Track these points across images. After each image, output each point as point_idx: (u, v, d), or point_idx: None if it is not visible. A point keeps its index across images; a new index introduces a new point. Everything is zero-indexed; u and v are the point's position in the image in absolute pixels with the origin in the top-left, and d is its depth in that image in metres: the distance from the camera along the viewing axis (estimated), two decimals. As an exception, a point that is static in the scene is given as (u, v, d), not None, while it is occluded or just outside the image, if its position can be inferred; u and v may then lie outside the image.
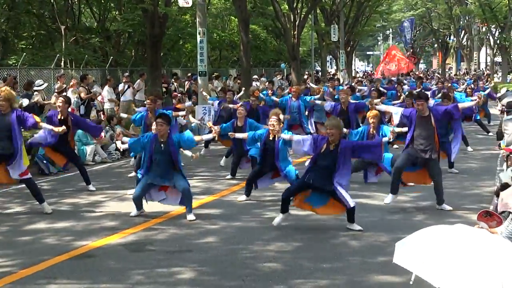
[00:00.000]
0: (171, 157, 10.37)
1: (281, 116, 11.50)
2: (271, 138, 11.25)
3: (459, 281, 4.35)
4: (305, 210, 10.06)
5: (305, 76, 39.39)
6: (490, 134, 20.81)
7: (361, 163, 12.69)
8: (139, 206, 10.59)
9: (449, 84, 25.39)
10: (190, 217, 10.35)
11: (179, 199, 10.56)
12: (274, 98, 19.38)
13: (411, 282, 4.63)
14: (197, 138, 11.12)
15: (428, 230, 4.86)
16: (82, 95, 20.31)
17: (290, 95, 19.08)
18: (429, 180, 11.07)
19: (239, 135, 12.02)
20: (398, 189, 11.16)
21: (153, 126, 11.14)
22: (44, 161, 14.85)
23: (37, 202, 10.94)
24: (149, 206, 10.74)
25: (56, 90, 19.59)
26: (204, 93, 22.00)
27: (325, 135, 9.80)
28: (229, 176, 13.99)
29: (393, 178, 11.16)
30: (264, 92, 22.64)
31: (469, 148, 17.57)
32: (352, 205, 9.43)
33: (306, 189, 9.81)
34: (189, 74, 31.61)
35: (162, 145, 10.36)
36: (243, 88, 26.43)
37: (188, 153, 12.85)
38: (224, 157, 15.82)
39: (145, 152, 10.62)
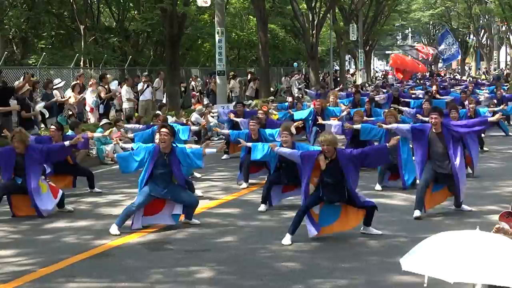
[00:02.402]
0: (174, 170, 9.77)
1: (292, 129, 11.08)
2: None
3: (473, 272, 4.33)
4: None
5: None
6: (511, 134, 20.67)
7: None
8: (123, 220, 9.67)
9: (470, 96, 22.75)
10: (193, 221, 10.03)
11: (171, 218, 9.91)
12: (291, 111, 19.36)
13: (425, 285, 4.61)
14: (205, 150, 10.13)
15: (436, 236, 4.85)
16: (102, 94, 20.44)
17: (312, 109, 18.85)
18: (450, 194, 10.72)
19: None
20: (423, 204, 10.39)
21: (156, 136, 10.79)
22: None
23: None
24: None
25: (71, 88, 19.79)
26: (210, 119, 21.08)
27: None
28: (244, 185, 13.20)
29: (419, 192, 10.45)
30: (285, 104, 22.83)
31: (485, 148, 17.36)
32: (372, 204, 9.15)
33: (318, 202, 9.20)
34: (209, 74, 31.71)
35: (165, 157, 9.70)
36: (252, 102, 26.58)
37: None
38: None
39: (146, 166, 9.76)
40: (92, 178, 12.70)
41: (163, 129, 9.77)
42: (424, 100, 19.53)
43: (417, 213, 10.21)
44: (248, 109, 19.78)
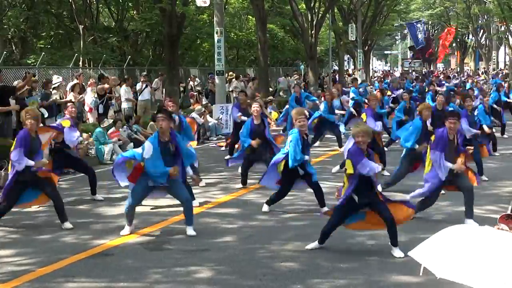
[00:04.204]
0: (176, 158, 9.42)
1: (306, 112, 10.97)
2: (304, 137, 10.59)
3: (462, 273, 4.35)
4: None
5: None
6: (505, 136, 20.73)
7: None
8: (131, 219, 9.61)
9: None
10: (190, 231, 9.43)
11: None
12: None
13: (420, 273, 4.63)
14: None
15: (446, 230, 4.86)
16: (99, 91, 20.37)
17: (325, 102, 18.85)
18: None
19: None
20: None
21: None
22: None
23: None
24: (167, 205, 10.77)
25: (70, 88, 19.77)
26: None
27: None
28: (239, 186, 13.21)
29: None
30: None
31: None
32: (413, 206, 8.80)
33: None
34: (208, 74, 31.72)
35: (170, 145, 9.36)
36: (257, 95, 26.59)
37: (189, 170, 12.10)
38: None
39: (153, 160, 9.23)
40: (94, 181, 12.23)
41: (160, 114, 9.38)
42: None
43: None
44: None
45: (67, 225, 9.91)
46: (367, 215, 8.69)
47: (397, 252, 8.24)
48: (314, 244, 8.66)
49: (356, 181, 8.33)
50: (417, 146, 11.73)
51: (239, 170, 13.79)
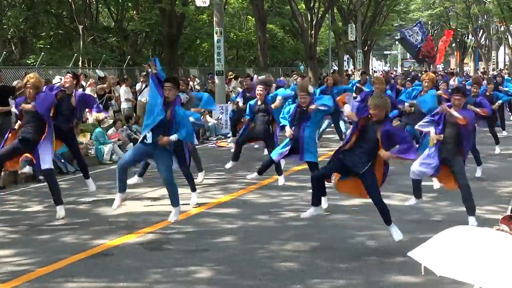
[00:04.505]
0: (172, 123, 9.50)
1: (310, 88, 10.92)
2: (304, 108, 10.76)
3: (464, 271, 4.34)
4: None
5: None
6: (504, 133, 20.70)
7: None
8: (122, 185, 9.89)
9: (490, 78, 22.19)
10: (172, 217, 9.83)
11: None
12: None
13: (422, 272, 4.62)
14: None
15: (450, 230, 4.85)
16: (99, 91, 20.34)
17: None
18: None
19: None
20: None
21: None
22: (62, 160, 14.93)
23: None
24: (166, 205, 10.76)
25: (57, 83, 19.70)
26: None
27: None
28: (230, 164, 13.56)
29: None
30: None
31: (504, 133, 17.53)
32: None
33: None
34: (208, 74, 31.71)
35: (168, 106, 9.47)
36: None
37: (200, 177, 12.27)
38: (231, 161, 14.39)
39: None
40: (85, 169, 12.03)
41: (167, 83, 9.53)
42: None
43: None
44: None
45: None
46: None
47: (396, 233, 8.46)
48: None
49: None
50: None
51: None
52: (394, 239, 8.44)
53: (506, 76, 28.01)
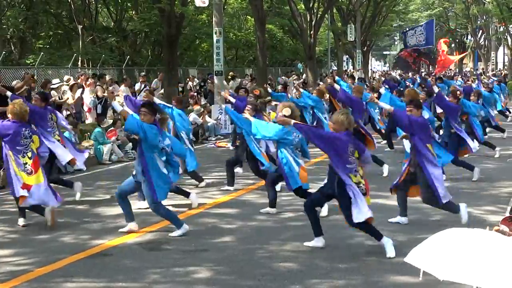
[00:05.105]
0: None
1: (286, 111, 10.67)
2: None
3: (467, 274, 4.34)
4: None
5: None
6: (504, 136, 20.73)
7: None
8: (128, 216, 9.70)
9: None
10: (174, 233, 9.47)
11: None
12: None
13: (420, 278, 4.62)
14: None
15: (444, 232, 4.85)
16: (99, 93, 20.40)
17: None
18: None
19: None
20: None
21: None
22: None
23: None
24: (165, 204, 10.74)
25: (65, 82, 19.74)
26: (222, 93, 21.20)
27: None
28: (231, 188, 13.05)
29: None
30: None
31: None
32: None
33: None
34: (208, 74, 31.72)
35: None
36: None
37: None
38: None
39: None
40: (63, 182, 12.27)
41: (143, 108, 9.28)
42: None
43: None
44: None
45: None
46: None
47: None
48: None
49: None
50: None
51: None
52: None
53: (495, 84, 27.76)
